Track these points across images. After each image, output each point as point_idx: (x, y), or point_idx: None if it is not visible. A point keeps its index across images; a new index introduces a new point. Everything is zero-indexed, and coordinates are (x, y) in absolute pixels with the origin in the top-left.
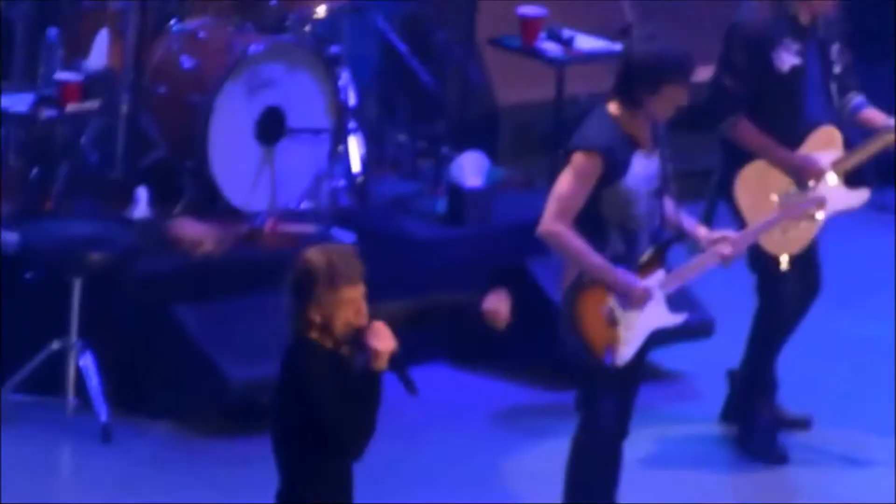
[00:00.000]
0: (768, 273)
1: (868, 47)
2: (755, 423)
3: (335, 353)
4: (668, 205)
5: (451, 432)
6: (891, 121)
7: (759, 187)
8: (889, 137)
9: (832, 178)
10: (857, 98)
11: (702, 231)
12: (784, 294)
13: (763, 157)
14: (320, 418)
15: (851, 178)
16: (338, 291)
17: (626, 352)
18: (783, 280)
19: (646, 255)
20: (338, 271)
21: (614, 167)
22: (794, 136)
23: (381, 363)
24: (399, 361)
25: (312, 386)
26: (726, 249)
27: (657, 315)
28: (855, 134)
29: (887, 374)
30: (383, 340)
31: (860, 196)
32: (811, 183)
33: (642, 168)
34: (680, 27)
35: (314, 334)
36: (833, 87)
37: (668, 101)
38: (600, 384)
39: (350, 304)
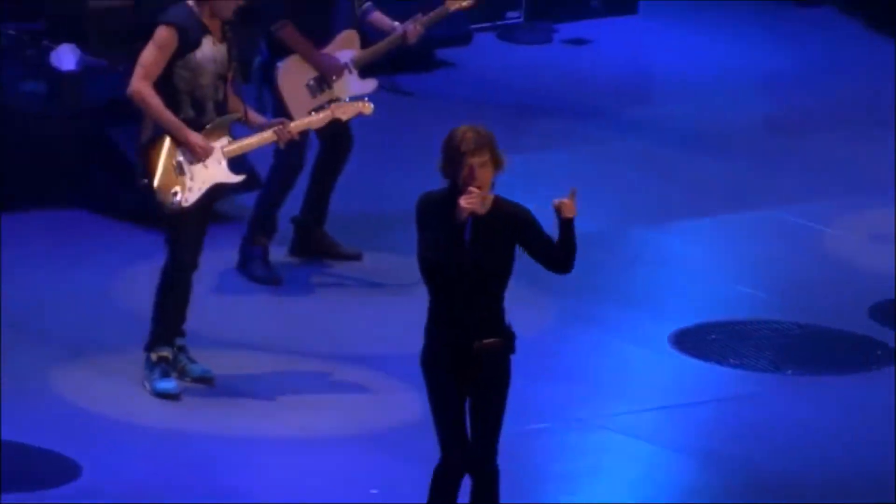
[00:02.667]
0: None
1: None
2: (252, 254)
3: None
4: (231, 90)
5: None
6: (396, 23)
7: (295, 78)
8: (396, 38)
9: (351, 73)
10: (366, 3)
11: (258, 117)
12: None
13: (301, 55)
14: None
15: (368, 69)
16: (469, 156)
17: (190, 197)
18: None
19: (211, 125)
20: (472, 138)
21: (187, 42)
22: (325, 38)
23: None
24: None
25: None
26: (283, 134)
27: (219, 172)
28: (372, 33)
29: None
30: (474, 202)
31: (370, 84)
32: (334, 76)
33: (210, 51)
34: None
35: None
36: None
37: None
38: (173, 221)
39: (470, 166)
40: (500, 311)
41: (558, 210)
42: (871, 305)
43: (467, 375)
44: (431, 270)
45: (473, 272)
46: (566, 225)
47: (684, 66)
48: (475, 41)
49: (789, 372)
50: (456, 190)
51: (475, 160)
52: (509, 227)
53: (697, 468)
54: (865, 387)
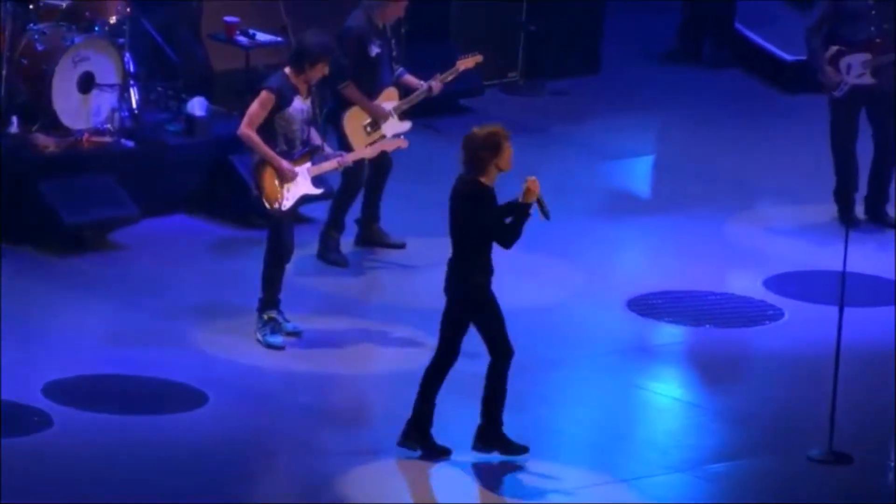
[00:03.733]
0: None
1: (422, 34)
2: (328, 245)
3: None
4: (314, 130)
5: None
6: (422, 82)
7: (355, 122)
8: (423, 92)
9: (393, 117)
10: (400, 69)
11: (328, 149)
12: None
13: (359, 105)
14: (489, 227)
15: (405, 115)
16: (507, 142)
17: (287, 203)
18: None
19: (300, 156)
20: (504, 131)
21: (282, 101)
22: (375, 92)
23: (532, 198)
24: (540, 198)
25: (492, 207)
26: (344, 160)
27: (306, 187)
28: (407, 90)
29: None
30: (534, 186)
31: (406, 125)
32: (382, 120)
33: (299, 105)
34: (317, 25)
35: (485, 179)
36: (393, 64)
37: (318, 71)
38: (275, 221)
39: (510, 150)
40: None
41: (525, 191)
42: (764, 278)
43: None
44: (489, 233)
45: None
46: (523, 206)
47: (633, 110)
48: (486, 93)
49: (707, 326)
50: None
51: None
52: None
53: (649, 397)
54: (762, 337)
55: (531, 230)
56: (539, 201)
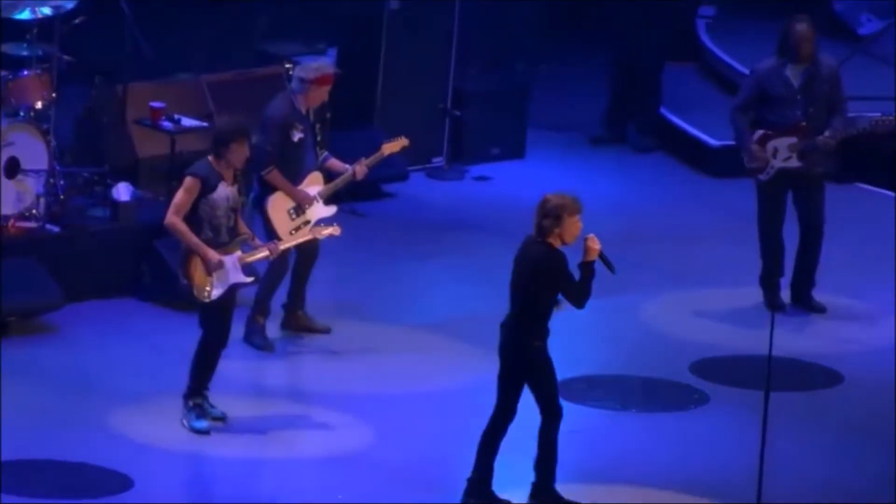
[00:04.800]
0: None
1: (347, 119)
2: (254, 329)
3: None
4: (241, 217)
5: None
6: (347, 166)
7: (279, 207)
8: (348, 176)
9: (318, 202)
10: (325, 153)
11: (258, 240)
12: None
13: (283, 191)
14: (565, 286)
15: (330, 200)
16: (572, 216)
17: (216, 293)
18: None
19: (229, 244)
20: (573, 204)
21: (206, 187)
22: (299, 177)
23: (594, 255)
24: (602, 254)
25: (561, 271)
26: (274, 250)
27: (235, 276)
28: (332, 174)
29: None
30: (594, 243)
31: (332, 209)
32: (307, 205)
33: (224, 192)
34: (242, 110)
35: (555, 242)
36: (317, 148)
37: (239, 154)
38: (205, 309)
39: (576, 224)
40: None
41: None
42: (690, 363)
43: None
44: (552, 297)
45: None
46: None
47: None
48: (410, 178)
49: (633, 410)
50: (560, 241)
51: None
52: None
53: (572, 479)
54: (687, 422)
55: (466, 315)
56: (602, 257)
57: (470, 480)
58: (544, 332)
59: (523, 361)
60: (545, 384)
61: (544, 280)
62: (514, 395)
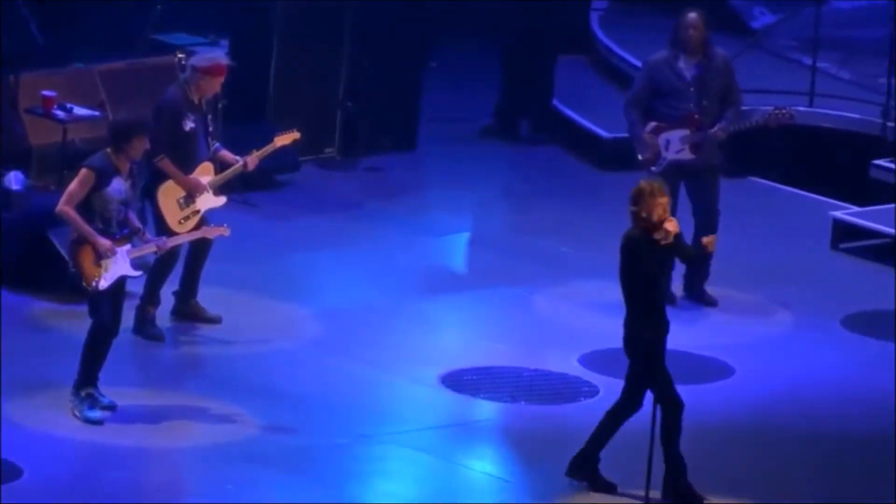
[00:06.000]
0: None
1: (240, 111)
2: (145, 319)
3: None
4: (132, 213)
5: None
6: (238, 157)
7: (170, 196)
8: (239, 167)
9: (209, 192)
10: (216, 144)
11: (148, 235)
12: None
13: (174, 179)
14: (646, 271)
15: (222, 189)
16: (658, 198)
17: (104, 283)
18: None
19: (120, 237)
20: (657, 188)
21: (101, 180)
22: (190, 167)
23: (671, 237)
24: (678, 237)
25: (628, 250)
26: (164, 244)
27: (125, 268)
28: (224, 165)
29: None
30: (673, 226)
31: (222, 199)
32: (197, 194)
33: (118, 185)
34: (135, 99)
35: (641, 225)
36: (209, 139)
37: (139, 148)
38: (96, 299)
39: (662, 206)
40: None
41: (706, 244)
42: (580, 355)
43: None
44: (646, 280)
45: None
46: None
47: (448, 187)
48: (303, 169)
49: (523, 402)
50: (650, 223)
51: (664, 199)
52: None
53: (461, 472)
54: (577, 414)
55: (358, 305)
56: (677, 239)
57: (577, 455)
58: (657, 325)
59: (635, 354)
60: (658, 376)
61: (623, 265)
62: (635, 386)
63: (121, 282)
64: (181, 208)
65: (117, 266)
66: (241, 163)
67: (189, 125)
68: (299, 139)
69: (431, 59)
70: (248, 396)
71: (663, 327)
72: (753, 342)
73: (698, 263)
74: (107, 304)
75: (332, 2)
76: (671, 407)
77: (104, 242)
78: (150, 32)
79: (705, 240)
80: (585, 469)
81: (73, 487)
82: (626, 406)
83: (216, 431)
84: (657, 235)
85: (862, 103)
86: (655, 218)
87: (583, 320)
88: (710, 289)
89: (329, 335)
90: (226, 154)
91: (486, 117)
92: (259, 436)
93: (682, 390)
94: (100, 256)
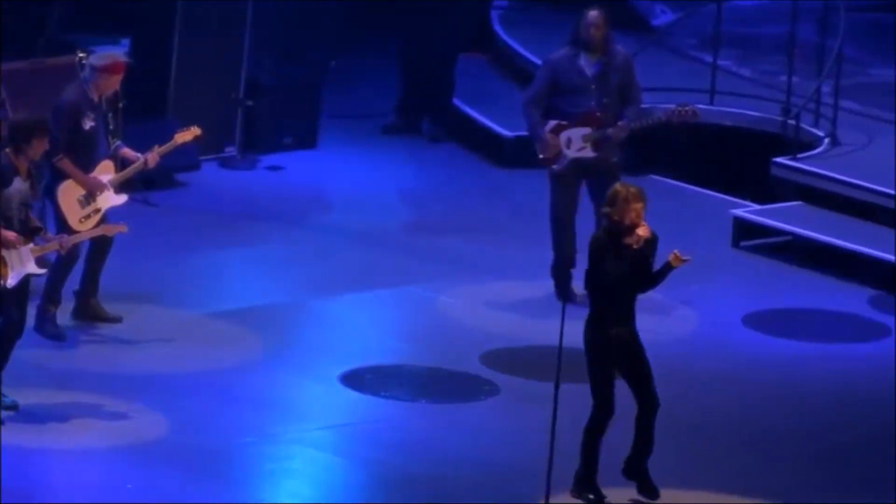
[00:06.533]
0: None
1: (141, 109)
2: (45, 318)
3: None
4: (32, 213)
5: None
6: (139, 154)
7: (70, 195)
8: (139, 164)
9: (109, 191)
10: (117, 142)
11: (49, 233)
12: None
13: (74, 179)
14: (608, 274)
15: (122, 189)
16: (633, 203)
17: (11, 281)
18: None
19: (21, 238)
20: (634, 194)
21: (1, 182)
22: (91, 165)
23: (641, 243)
24: (649, 243)
25: (607, 255)
26: (66, 241)
27: (30, 266)
28: (125, 163)
29: None
30: (645, 231)
31: (123, 198)
32: (98, 193)
33: (18, 186)
34: (35, 98)
35: (611, 227)
36: (109, 137)
37: (39, 149)
38: (1, 297)
39: (636, 211)
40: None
41: (673, 258)
42: (481, 354)
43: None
44: (611, 282)
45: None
46: (668, 268)
47: (350, 185)
48: (203, 168)
49: (424, 401)
50: (619, 227)
51: (639, 205)
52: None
53: (363, 471)
54: (477, 413)
55: (258, 304)
56: (648, 241)
57: (576, 474)
58: (613, 321)
59: (588, 352)
60: (599, 377)
61: (588, 266)
62: (597, 387)
63: (25, 280)
64: (82, 207)
65: (23, 265)
66: (141, 160)
67: (89, 124)
68: (200, 136)
69: (331, 59)
70: (149, 396)
71: (618, 323)
72: (655, 340)
73: (649, 281)
74: (13, 304)
75: (233, 0)
76: (600, 412)
77: (9, 234)
78: (51, 31)
79: (672, 256)
80: (586, 487)
81: None
82: (595, 412)
83: (118, 431)
84: (628, 240)
85: (762, 101)
86: (627, 222)
87: (483, 319)
88: None
89: (230, 334)
90: (127, 152)
91: (389, 115)
92: (162, 435)
93: (580, 389)
94: (5, 247)
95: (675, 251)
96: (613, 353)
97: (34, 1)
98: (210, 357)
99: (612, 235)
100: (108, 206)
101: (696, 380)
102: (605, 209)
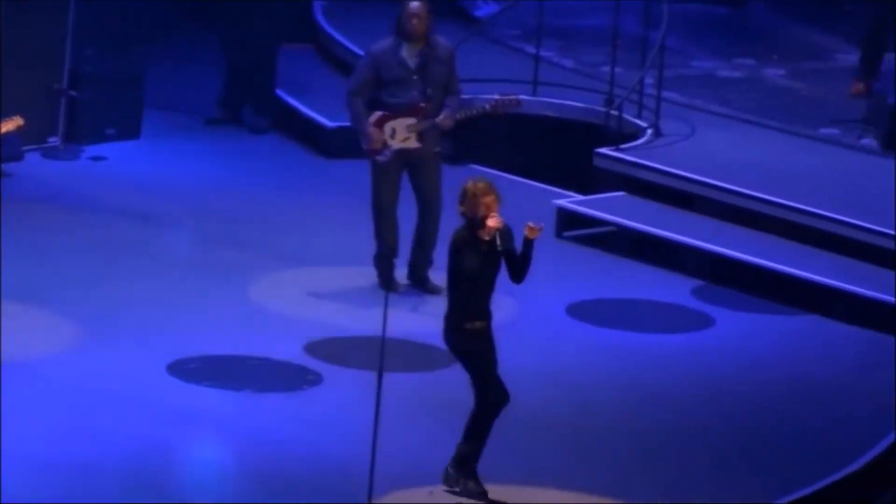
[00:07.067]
0: None
1: None
2: None
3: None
4: None
5: None
6: None
7: None
8: None
9: None
10: None
11: None
12: None
13: None
14: (468, 268)
15: None
16: (481, 197)
17: None
18: None
19: None
20: (482, 188)
21: None
22: None
23: (493, 233)
24: (502, 233)
25: (466, 250)
26: None
27: None
28: None
29: None
30: (495, 221)
31: None
32: None
33: None
34: None
35: (467, 223)
36: None
37: None
38: None
39: (486, 204)
40: None
41: (528, 231)
42: (304, 343)
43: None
44: (466, 276)
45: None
46: (528, 242)
47: (172, 176)
48: (26, 158)
49: (247, 391)
50: (475, 221)
51: (488, 198)
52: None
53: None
54: (301, 402)
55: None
56: (500, 231)
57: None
58: (472, 314)
59: (454, 348)
60: (477, 369)
61: (448, 263)
62: (473, 379)
63: None
64: None
65: None
66: None
67: None
68: (23, 126)
69: (154, 49)
70: None
71: (476, 318)
72: None
73: (520, 266)
74: None
75: None
76: (491, 398)
77: None
78: None
79: (526, 229)
80: (462, 471)
81: None
82: (477, 402)
83: None
84: (481, 233)
85: (586, 92)
86: (479, 216)
87: (305, 308)
88: (435, 276)
89: (45, 322)
90: None
91: (212, 106)
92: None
93: (404, 378)
94: None
95: (529, 223)
96: (475, 344)
97: None
98: (21, 344)
99: (469, 231)
100: None
101: (519, 371)
102: (459, 207)
